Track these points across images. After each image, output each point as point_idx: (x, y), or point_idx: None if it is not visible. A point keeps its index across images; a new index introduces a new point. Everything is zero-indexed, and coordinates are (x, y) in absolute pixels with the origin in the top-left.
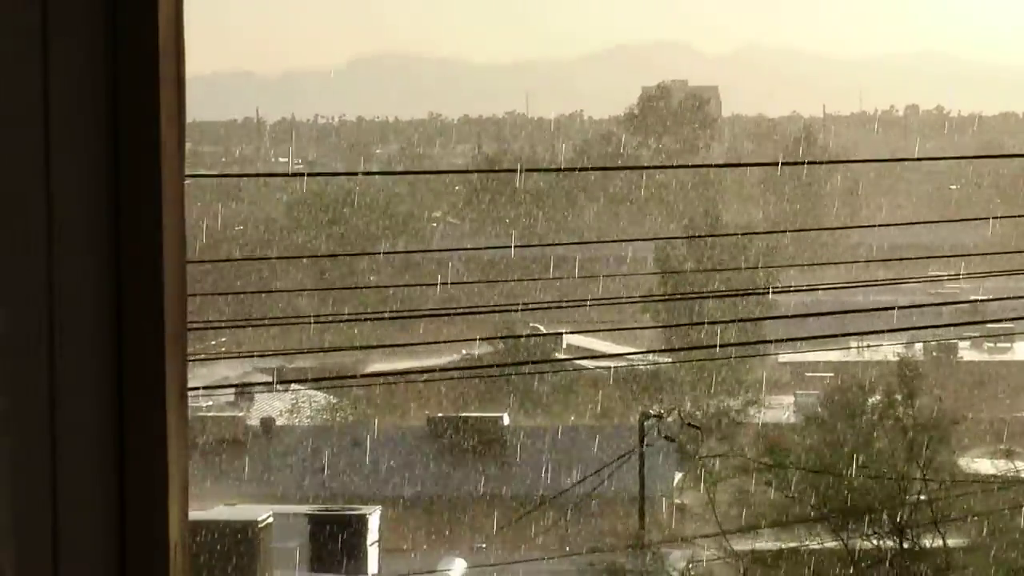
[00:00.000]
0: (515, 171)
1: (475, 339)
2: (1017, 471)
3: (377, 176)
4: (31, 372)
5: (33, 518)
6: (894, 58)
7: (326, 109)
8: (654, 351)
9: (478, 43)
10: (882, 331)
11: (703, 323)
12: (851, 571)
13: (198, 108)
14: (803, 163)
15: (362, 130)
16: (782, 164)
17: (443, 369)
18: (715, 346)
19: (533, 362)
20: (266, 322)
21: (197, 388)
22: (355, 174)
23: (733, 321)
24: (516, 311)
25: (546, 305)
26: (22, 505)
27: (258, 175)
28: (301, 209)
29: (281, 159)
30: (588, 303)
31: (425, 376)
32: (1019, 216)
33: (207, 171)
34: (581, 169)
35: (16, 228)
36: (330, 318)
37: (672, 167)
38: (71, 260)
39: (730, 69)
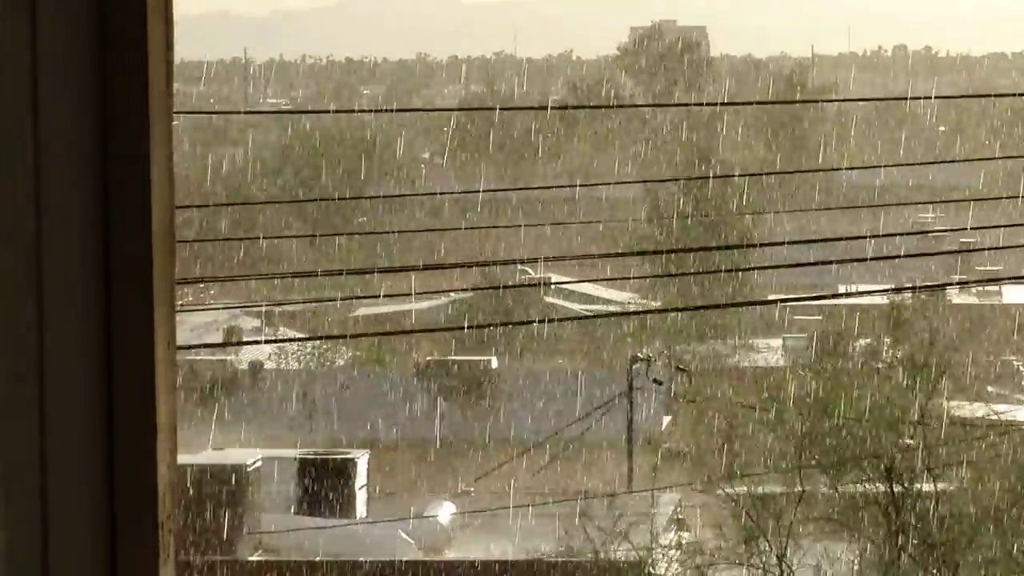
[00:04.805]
0: (496, 109)
1: (463, 289)
2: (999, 414)
3: (366, 117)
4: (18, 319)
5: (21, 463)
6: None
7: (314, 49)
8: (651, 311)
9: None
10: (876, 291)
11: (692, 273)
12: (842, 514)
13: (185, 49)
14: (794, 102)
15: (350, 70)
16: (773, 103)
17: (433, 330)
18: (703, 307)
19: (520, 323)
20: (252, 274)
21: (187, 347)
22: (331, 112)
23: (721, 271)
24: (505, 264)
25: (531, 259)
26: (10, 451)
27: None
28: (289, 151)
29: (269, 99)
30: (572, 258)
31: (413, 327)
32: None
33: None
34: (563, 108)
35: (2, 173)
36: (317, 270)
37: (663, 105)
38: (59, 207)
39: (718, 6)
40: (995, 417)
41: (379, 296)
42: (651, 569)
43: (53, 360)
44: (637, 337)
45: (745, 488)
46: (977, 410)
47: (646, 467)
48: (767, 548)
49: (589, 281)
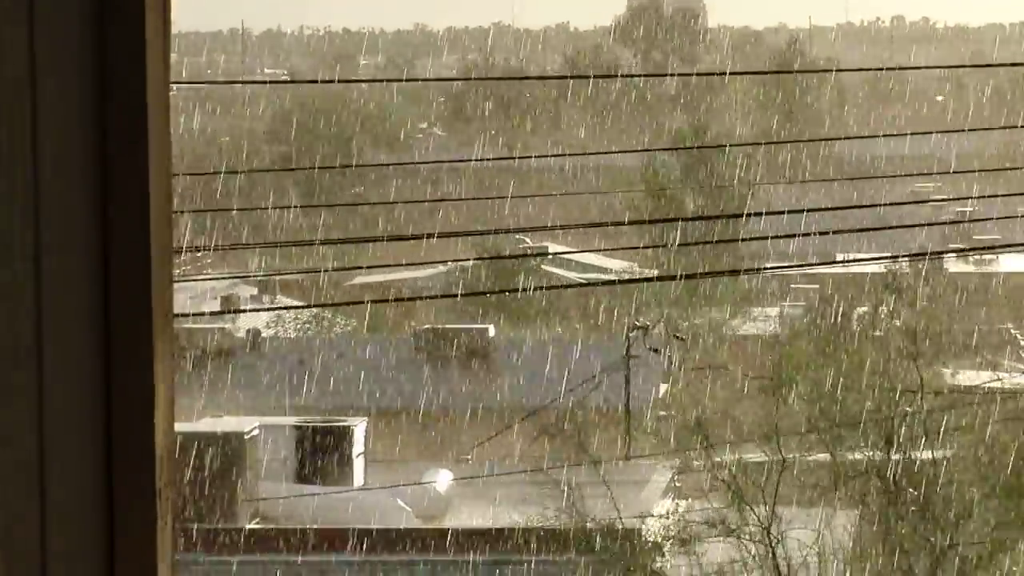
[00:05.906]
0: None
1: (461, 260)
2: (1000, 379)
3: (364, 86)
4: (16, 288)
5: (20, 432)
6: None
7: (312, 20)
8: (650, 278)
9: None
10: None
11: (690, 243)
12: (838, 482)
13: (182, 20)
14: (792, 72)
15: (348, 41)
16: (772, 72)
17: (432, 297)
18: (700, 274)
19: (518, 290)
20: (250, 243)
21: (186, 315)
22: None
23: (719, 242)
24: (504, 232)
25: (532, 228)
26: (9, 419)
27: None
28: (285, 122)
29: (267, 70)
30: (570, 226)
31: (410, 294)
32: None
33: (191, 82)
34: (556, 77)
35: (0, 148)
36: (315, 239)
37: (659, 75)
38: (57, 178)
39: None
40: (993, 384)
41: (369, 267)
42: (648, 536)
43: (52, 329)
44: (634, 305)
45: (741, 456)
46: (974, 377)
47: (643, 434)
48: (759, 516)
49: (588, 251)
